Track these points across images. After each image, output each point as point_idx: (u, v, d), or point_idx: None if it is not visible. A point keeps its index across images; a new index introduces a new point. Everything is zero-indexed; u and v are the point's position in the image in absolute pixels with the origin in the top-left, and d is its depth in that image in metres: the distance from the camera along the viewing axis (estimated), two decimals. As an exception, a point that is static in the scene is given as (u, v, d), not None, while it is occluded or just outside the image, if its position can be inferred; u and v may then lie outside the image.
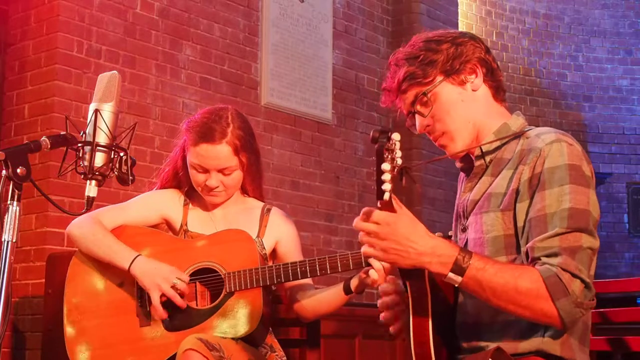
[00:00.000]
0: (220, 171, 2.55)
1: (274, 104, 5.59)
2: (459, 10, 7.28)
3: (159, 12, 4.98)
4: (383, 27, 6.49)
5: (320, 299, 2.57)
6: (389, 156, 1.68)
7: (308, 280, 2.58)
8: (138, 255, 2.49)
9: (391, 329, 2.02)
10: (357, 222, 1.74)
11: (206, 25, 5.25)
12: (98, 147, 2.02)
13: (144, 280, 2.45)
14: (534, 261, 1.77)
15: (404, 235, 1.71)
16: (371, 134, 1.70)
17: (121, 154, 2.07)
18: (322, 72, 5.94)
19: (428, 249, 1.73)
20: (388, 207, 1.71)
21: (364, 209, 1.74)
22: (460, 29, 7.23)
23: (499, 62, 2.06)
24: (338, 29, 6.11)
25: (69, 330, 2.55)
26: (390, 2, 6.59)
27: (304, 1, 5.86)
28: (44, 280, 3.97)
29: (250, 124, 2.66)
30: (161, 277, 2.44)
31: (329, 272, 2.45)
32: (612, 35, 8.59)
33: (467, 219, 1.98)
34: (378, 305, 2.05)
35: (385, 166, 1.67)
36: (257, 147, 2.66)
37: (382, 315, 2.03)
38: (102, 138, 2.03)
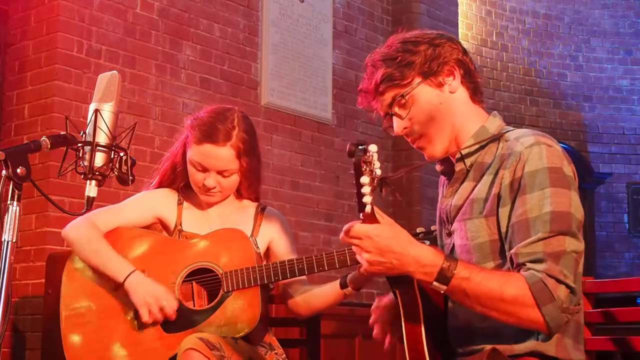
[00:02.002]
0: (220, 173, 2.54)
1: (274, 104, 5.59)
2: (459, 10, 7.28)
3: (159, 12, 4.98)
4: (383, 27, 6.49)
5: (316, 294, 2.56)
6: (367, 168, 1.67)
7: (302, 277, 2.57)
8: (133, 272, 2.48)
9: (385, 346, 2.02)
10: (342, 237, 1.76)
11: (206, 25, 5.25)
12: (98, 147, 2.02)
13: (135, 298, 2.45)
14: (518, 267, 1.77)
15: (386, 246, 1.72)
16: (347, 147, 1.69)
17: (121, 154, 2.06)
18: (322, 72, 5.94)
19: (412, 258, 1.73)
20: (371, 219, 1.71)
21: (345, 226, 1.75)
22: (460, 29, 7.24)
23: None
24: (338, 29, 6.12)
25: (67, 336, 2.52)
26: (390, 2, 6.59)
27: (304, 1, 5.86)
28: (44, 280, 3.97)
29: (254, 127, 2.66)
30: (152, 297, 2.44)
31: (326, 269, 2.44)
32: (612, 35, 8.59)
33: (452, 225, 1.98)
34: (370, 323, 2.04)
35: (364, 179, 1.67)
36: (259, 151, 2.65)
37: (374, 333, 2.03)
38: (102, 138, 2.03)
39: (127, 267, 2.49)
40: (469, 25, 7.78)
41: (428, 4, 6.57)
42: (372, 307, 2.06)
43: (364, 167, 1.67)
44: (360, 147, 1.67)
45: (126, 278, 2.46)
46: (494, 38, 7.99)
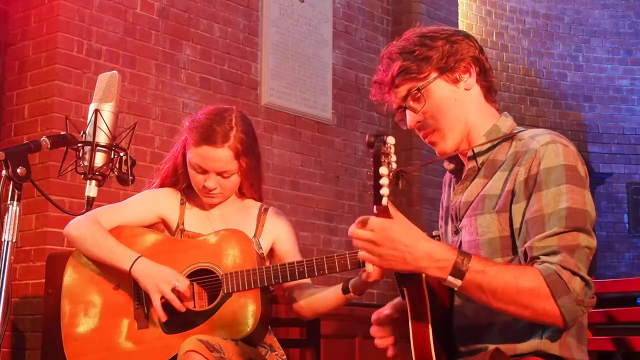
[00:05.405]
0: (220, 174, 2.54)
1: (274, 104, 5.59)
2: (459, 10, 7.29)
3: (159, 12, 4.98)
4: (383, 27, 6.49)
5: (319, 298, 2.56)
6: (386, 160, 1.66)
7: (307, 280, 2.57)
8: (139, 257, 2.48)
9: (388, 353, 2.00)
10: (352, 230, 1.73)
11: (206, 25, 5.25)
12: (98, 147, 2.02)
13: (145, 282, 2.44)
14: (532, 260, 1.77)
15: (400, 240, 1.70)
16: (367, 138, 1.68)
17: (121, 154, 2.06)
18: (322, 72, 5.94)
19: (425, 253, 1.71)
20: (385, 212, 1.69)
21: (359, 218, 1.73)
22: (460, 29, 7.23)
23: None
24: (338, 29, 6.12)
25: (67, 334, 2.53)
26: (390, 2, 6.59)
27: (304, 1, 5.86)
28: (44, 280, 3.97)
29: (253, 127, 2.65)
30: (162, 279, 2.43)
31: (327, 273, 2.44)
32: (612, 35, 8.59)
33: (460, 222, 1.97)
34: (371, 333, 2.02)
35: (383, 170, 1.65)
36: (258, 151, 2.65)
37: (377, 342, 2.00)
38: (102, 138, 2.03)
39: (132, 255, 2.49)
40: (469, 25, 7.77)
41: (428, 4, 6.57)
42: (374, 318, 2.02)
43: (383, 158, 1.65)
44: (379, 137, 1.67)
45: (132, 265, 2.46)
46: (494, 38, 7.99)
